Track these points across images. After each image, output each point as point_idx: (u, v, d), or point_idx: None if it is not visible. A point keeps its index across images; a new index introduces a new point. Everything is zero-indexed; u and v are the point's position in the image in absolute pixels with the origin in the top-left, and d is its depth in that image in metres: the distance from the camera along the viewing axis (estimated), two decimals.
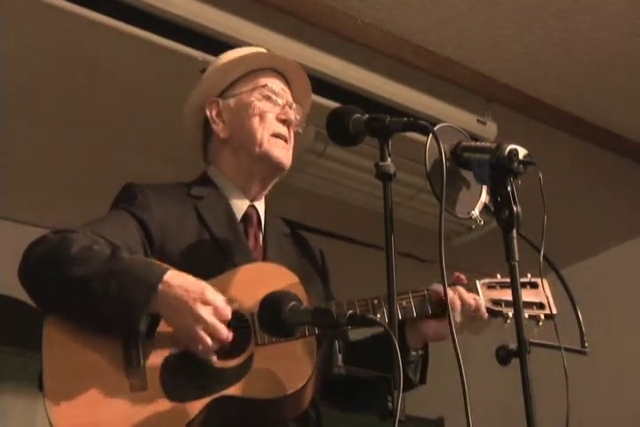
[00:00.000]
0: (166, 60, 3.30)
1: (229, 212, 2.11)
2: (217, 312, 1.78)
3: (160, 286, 1.77)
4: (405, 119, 1.76)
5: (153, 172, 3.66)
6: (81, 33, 3.20)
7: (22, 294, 1.88)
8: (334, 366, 1.55)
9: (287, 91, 2.21)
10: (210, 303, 1.78)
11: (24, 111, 3.73)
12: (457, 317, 2.00)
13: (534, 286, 2.08)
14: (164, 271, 1.80)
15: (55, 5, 2.95)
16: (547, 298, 2.03)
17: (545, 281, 2.07)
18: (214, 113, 2.18)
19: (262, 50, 2.31)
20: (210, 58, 3.10)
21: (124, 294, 1.76)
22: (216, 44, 3.12)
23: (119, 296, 1.76)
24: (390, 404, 1.54)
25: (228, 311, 1.80)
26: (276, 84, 2.19)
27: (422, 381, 2.09)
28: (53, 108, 3.73)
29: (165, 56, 3.24)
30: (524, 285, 2.05)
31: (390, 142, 1.75)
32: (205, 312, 1.77)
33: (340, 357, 1.56)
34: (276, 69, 2.22)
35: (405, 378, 1.98)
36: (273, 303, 1.64)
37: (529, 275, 2.05)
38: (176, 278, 1.79)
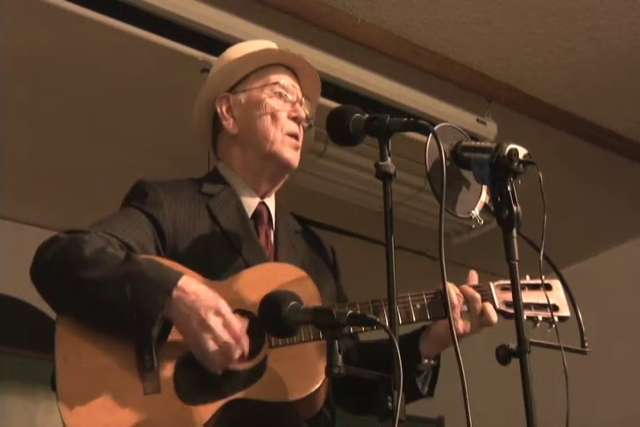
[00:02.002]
0: (166, 60, 3.30)
1: (240, 209, 2.10)
2: (227, 324, 1.76)
3: (174, 292, 1.75)
4: (405, 119, 1.76)
5: (154, 171, 3.65)
6: (81, 33, 3.20)
7: (22, 294, 1.88)
8: (334, 366, 1.55)
9: (297, 87, 2.19)
10: (221, 314, 1.76)
11: (24, 111, 3.73)
12: (465, 315, 1.99)
13: (548, 287, 2.07)
14: (179, 277, 1.78)
15: (55, 5, 2.94)
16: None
17: (559, 283, 2.06)
18: (224, 108, 2.16)
19: (272, 44, 2.28)
20: (210, 58, 3.10)
21: (138, 299, 1.74)
22: (216, 44, 3.12)
23: (133, 301, 1.74)
24: (390, 404, 1.54)
25: (238, 325, 1.78)
26: (286, 80, 2.17)
27: (430, 393, 2.06)
28: (53, 108, 3.73)
29: (165, 56, 3.24)
30: (537, 286, 2.03)
31: (390, 142, 1.75)
32: (215, 322, 1.75)
33: (340, 357, 1.55)
34: (285, 65, 2.20)
35: (413, 388, 1.99)
36: (272, 303, 1.64)
37: (543, 277, 2.02)
38: (191, 285, 1.78)
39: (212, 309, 1.76)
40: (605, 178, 4.43)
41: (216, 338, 1.75)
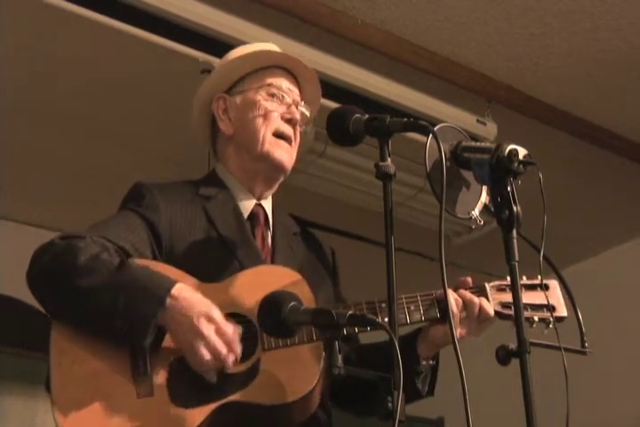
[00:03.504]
0: (166, 61, 3.30)
1: (237, 211, 2.09)
2: (220, 331, 1.76)
3: (168, 300, 1.75)
4: (405, 119, 1.76)
5: (153, 172, 3.66)
6: (81, 33, 3.20)
7: (22, 294, 1.88)
8: (334, 367, 1.55)
9: (294, 89, 2.19)
10: (214, 321, 1.76)
11: (24, 111, 3.73)
12: (463, 320, 1.99)
13: (546, 287, 2.06)
14: (172, 285, 1.78)
15: (55, 5, 2.94)
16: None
17: (555, 283, 2.06)
18: (221, 109, 2.16)
19: (273, 46, 2.28)
20: (210, 58, 3.10)
21: (132, 308, 1.74)
22: (216, 44, 3.12)
23: (126, 310, 1.74)
24: (390, 404, 1.54)
25: (231, 331, 1.77)
26: (283, 82, 2.17)
27: (430, 392, 2.06)
28: (53, 108, 3.73)
29: (165, 56, 3.24)
30: (534, 287, 2.03)
31: (390, 142, 1.75)
32: (208, 329, 1.75)
33: (340, 357, 1.55)
34: (285, 67, 2.20)
35: (413, 389, 1.98)
36: (272, 303, 1.64)
37: (539, 276, 2.00)
38: (183, 292, 1.78)
39: (204, 316, 1.75)
40: (605, 178, 4.43)
41: (209, 345, 1.74)
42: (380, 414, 1.57)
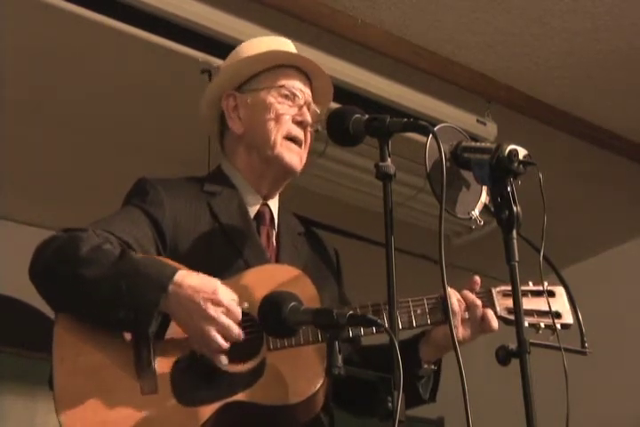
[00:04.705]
0: (166, 61, 3.30)
1: (242, 209, 2.09)
2: (228, 313, 1.75)
3: (170, 287, 1.75)
4: (405, 119, 1.76)
5: (153, 171, 3.65)
6: (81, 33, 3.20)
7: (22, 294, 1.88)
8: (334, 367, 1.55)
9: (306, 90, 2.17)
10: (221, 304, 1.75)
11: (24, 111, 3.73)
12: (465, 322, 1.98)
13: (551, 294, 2.05)
14: (175, 271, 1.77)
15: (55, 5, 2.95)
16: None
17: (562, 290, 2.04)
18: (230, 107, 2.15)
19: (287, 42, 2.26)
20: (210, 58, 3.10)
21: (134, 296, 1.74)
22: (216, 44, 3.12)
23: (129, 297, 1.74)
24: (390, 404, 1.54)
25: (239, 312, 1.77)
26: (295, 83, 2.15)
27: (432, 398, 2.04)
28: (53, 108, 3.73)
29: (165, 56, 3.24)
30: (540, 293, 2.01)
31: (390, 142, 1.75)
32: (216, 312, 1.74)
33: (340, 357, 1.55)
34: (297, 67, 2.18)
35: (415, 393, 1.97)
36: (273, 303, 1.64)
37: (546, 283, 1.99)
38: (187, 278, 1.77)
39: (211, 299, 1.75)
40: (605, 178, 4.43)
41: (219, 326, 1.74)
42: (381, 414, 1.56)
